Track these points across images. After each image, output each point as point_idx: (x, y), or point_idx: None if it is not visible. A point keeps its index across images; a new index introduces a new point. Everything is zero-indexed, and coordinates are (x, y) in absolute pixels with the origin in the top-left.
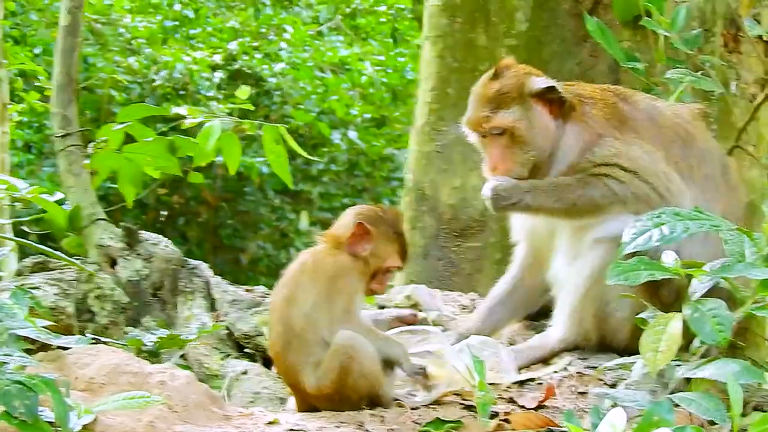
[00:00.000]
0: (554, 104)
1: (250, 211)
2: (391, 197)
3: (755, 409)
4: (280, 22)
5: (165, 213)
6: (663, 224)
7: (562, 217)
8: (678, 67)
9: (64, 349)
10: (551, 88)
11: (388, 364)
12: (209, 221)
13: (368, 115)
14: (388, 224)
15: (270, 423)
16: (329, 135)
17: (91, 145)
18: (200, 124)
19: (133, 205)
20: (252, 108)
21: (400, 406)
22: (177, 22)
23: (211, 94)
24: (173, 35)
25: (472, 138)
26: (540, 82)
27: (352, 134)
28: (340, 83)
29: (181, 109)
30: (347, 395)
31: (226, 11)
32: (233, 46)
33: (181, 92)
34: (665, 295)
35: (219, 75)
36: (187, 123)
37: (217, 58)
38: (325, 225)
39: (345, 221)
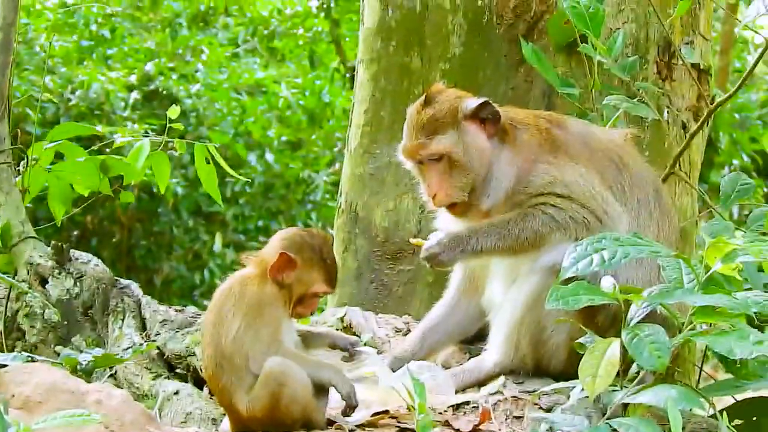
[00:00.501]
0: (488, 122)
1: (163, 231)
2: (306, 220)
3: None
4: (197, 43)
5: (77, 233)
6: (603, 249)
7: (508, 254)
8: (613, 93)
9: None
10: (484, 105)
11: (321, 388)
12: (122, 241)
13: (285, 138)
14: (314, 250)
15: None
16: (246, 157)
17: (22, 162)
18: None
19: (48, 225)
20: (182, 128)
21: (339, 428)
22: (93, 42)
23: (126, 114)
24: (89, 55)
25: (409, 166)
26: (472, 102)
27: (269, 156)
28: (256, 105)
29: (98, 127)
30: (280, 420)
31: (143, 32)
32: (149, 66)
33: (97, 112)
34: (601, 319)
35: (135, 95)
36: (118, 142)
37: (133, 79)
38: (239, 247)
39: (271, 247)
